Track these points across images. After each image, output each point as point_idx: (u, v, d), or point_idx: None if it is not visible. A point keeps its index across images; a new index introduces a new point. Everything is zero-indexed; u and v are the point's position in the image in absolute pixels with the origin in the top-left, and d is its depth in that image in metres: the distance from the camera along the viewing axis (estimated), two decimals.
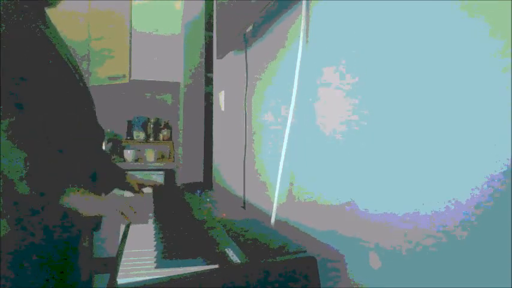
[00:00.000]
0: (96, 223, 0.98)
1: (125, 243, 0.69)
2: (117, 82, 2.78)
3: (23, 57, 0.78)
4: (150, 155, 3.00)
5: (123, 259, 0.59)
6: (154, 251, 0.63)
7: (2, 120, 0.73)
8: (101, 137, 1.05)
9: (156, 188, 1.29)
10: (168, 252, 0.62)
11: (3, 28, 0.75)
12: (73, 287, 0.91)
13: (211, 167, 1.97)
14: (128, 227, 0.82)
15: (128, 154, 2.94)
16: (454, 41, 0.46)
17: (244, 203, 1.27)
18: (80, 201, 0.82)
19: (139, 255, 0.61)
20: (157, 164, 2.87)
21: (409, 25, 0.54)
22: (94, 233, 1.36)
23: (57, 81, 0.86)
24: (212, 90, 2.03)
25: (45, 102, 0.82)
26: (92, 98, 1.00)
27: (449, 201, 0.46)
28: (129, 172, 1.24)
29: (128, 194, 1.22)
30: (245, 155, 1.28)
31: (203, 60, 2.76)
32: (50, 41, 0.86)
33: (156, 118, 3.22)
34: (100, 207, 0.85)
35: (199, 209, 0.97)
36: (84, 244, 0.97)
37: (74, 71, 0.92)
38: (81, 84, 0.95)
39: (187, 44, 2.72)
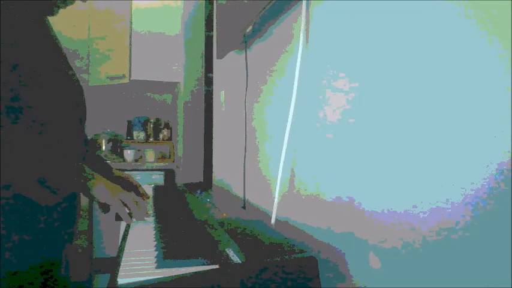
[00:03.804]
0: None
1: (125, 243, 0.69)
2: (117, 82, 2.78)
3: (26, 57, 0.77)
4: (150, 155, 3.00)
5: (123, 259, 0.59)
6: (155, 251, 0.63)
7: None
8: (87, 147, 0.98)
9: (156, 188, 1.29)
10: (169, 252, 0.61)
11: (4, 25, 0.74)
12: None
13: (211, 167, 1.97)
14: (128, 226, 0.82)
15: (128, 154, 2.94)
16: (453, 41, 0.46)
17: (244, 203, 1.27)
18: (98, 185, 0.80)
19: (139, 255, 0.61)
20: (157, 164, 2.86)
21: (410, 24, 0.54)
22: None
23: (53, 82, 0.83)
24: (212, 90, 2.03)
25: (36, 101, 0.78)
26: (85, 113, 0.91)
27: (450, 200, 0.46)
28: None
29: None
30: (245, 155, 1.28)
31: (203, 60, 2.75)
32: (54, 40, 0.84)
33: (156, 118, 3.22)
34: (106, 194, 0.81)
35: (199, 209, 0.97)
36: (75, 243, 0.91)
37: (73, 78, 0.90)
38: (78, 95, 0.89)
39: (187, 44, 2.72)
